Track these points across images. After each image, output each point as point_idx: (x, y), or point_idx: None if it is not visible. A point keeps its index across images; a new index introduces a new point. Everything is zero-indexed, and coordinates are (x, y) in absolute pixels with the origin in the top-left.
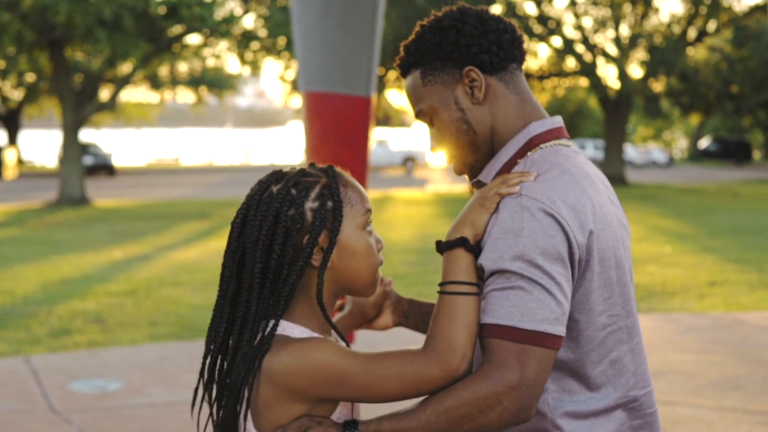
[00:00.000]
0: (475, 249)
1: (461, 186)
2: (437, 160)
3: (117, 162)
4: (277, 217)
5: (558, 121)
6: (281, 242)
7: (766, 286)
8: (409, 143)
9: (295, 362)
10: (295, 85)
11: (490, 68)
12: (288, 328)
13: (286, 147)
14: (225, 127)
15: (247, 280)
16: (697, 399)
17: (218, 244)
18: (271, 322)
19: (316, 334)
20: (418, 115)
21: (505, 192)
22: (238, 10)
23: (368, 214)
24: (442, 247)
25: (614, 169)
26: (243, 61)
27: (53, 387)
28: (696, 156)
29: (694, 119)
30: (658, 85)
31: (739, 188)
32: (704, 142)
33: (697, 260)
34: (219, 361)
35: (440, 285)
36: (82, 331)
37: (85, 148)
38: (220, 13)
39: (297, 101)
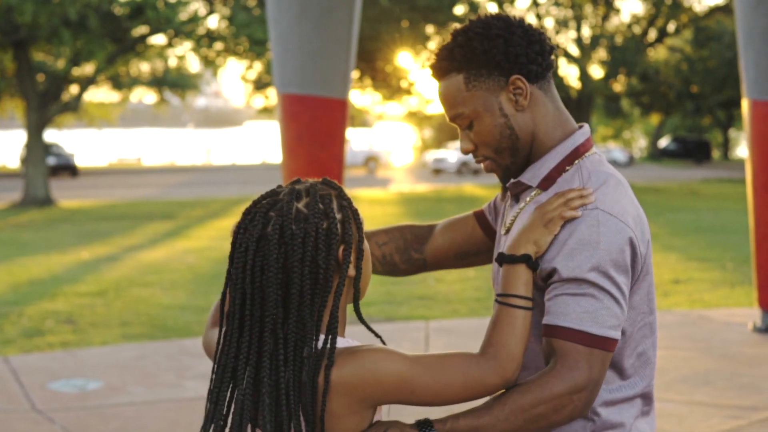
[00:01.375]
0: (535, 266)
1: (424, 185)
2: (399, 160)
3: (79, 162)
4: (317, 232)
5: (588, 130)
6: (325, 256)
7: (729, 283)
8: (371, 143)
9: (368, 372)
10: (257, 85)
11: (533, 77)
12: (339, 341)
13: (246, 147)
14: (186, 127)
15: (295, 299)
16: (669, 394)
17: (184, 244)
18: (322, 337)
19: (356, 343)
20: (456, 117)
21: (569, 216)
22: (202, 11)
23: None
24: (506, 260)
25: None
26: (206, 61)
27: (34, 387)
28: (656, 155)
29: (654, 119)
30: (618, 86)
31: (699, 187)
32: (664, 142)
33: (661, 259)
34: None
35: (501, 296)
36: (54, 331)
37: (47, 149)
38: (184, 14)
39: (259, 101)
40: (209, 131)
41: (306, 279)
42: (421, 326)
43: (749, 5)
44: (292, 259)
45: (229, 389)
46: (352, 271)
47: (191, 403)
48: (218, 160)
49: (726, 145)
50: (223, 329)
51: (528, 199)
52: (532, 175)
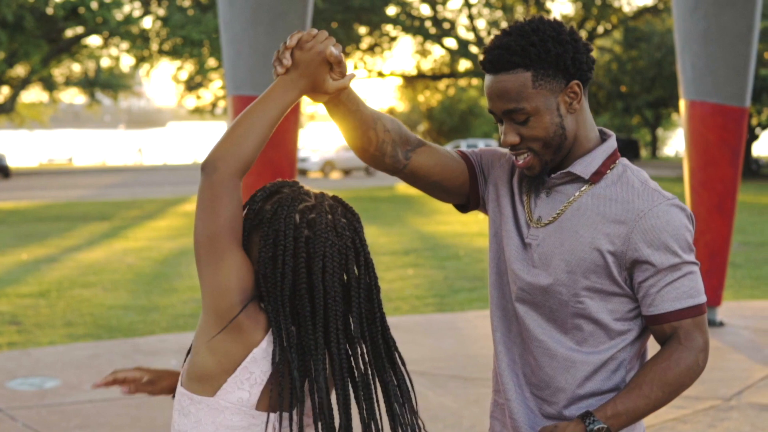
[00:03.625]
0: None
1: (355, 186)
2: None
3: (11, 163)
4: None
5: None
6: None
7: None
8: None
9: None
10: (188, 86)
11: (585, 84)
12: None
13: (175, 147)
14: (117, 128)
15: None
16: None
17: (123, 245)
18: None
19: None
20: (513, 111)
21: None
22: (137, 12)
23: None
24: None
25: None
26: (140, 61)
27: None
28: None
29: None
30: None
31: None
32: None
33: None
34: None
35: None
36: None
37: None
38: (119, 15)
39: (191, 101)
40: (137, 132)
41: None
42: None
43: (687, 9)
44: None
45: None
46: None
47: (150, 400)
48: (149, 160)
49: (654, 144)
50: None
51: (577, 193)
52: (583, 168)
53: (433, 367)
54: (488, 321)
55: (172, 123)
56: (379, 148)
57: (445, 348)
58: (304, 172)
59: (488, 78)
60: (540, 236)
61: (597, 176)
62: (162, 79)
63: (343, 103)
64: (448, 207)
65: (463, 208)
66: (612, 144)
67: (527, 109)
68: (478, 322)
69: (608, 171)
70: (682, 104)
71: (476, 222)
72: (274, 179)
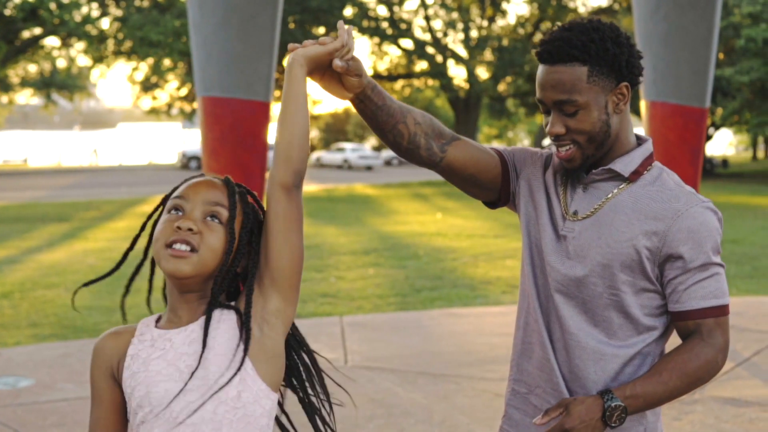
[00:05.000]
0: None
1: (313, 185)
2: None
3: None
4: None
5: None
6: None
7: None
8: None
9: None
10: (144, 87)
11: (633, 88)
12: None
13: (128, 148)
14: (73, 129)
15: None
16: None
17: (83, 245)
18: None
19: (152, 322)
20: (564, 102)
21: None
22: (95, 12)
23: (172, 200)
24: None
25: None
26: (96, 62)
27: None
28: None
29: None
30: (504, 86)
31: None
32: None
33: None
34: None
35: None
36: None
37: None
38: (78, 16)
39: (147, 102)
40: (91, 133)
41: None
42: (336, 321)
43: (648, 11)
44: None
45: None
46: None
47: None
48: (104, 161)
49: None
50: None
51: (616, 190)
52: (624, 166)
53: (401, 364)
54: (453, 319)
55: (122, 124)
56: (412, 141)
57: (412, 345)
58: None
59: (543, 68)
60: (576, 229)
61: (635, 175)
62: (112, 80)
63: (369, 98)
64: (406, 207)
65: (493, 204)
66: (649, 147)
67: (578, 102)
68: (442, 320)
69: (645, 171)
70: (643, 104)
71: (434, 222)
72: (245, 181)
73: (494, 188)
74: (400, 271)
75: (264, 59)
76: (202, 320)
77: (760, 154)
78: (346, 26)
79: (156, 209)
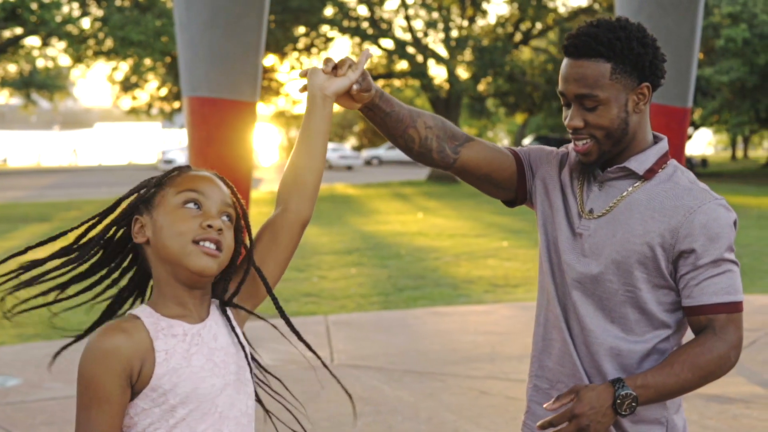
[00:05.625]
0: None
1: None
2: (267, 160)
3: None
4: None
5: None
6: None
7: None
8: None
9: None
10: (124, 87)
11: (654, 90)
12: (138, 309)
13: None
14: (52, 129)
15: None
16: None
17: (62, 245)
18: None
19: (158, 316)
20: (585, 97)
21: None
22: (76, 12)
23: (184, 192)
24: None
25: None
26: (77, 62)
27: None
28: None
29: (519, 118)
30: (484, 86)
31: None
32: (527, 141)
33: (534, 254)
34: None
35: None
36: None
37: None
38: (59, 16)
39: (126, 102)
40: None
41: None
42: (321, 320)
43: (630, 11)
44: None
45: None
46: (139, 239)
47: None
48: (84, 161)
49: None
50: None
51: (630, 188)
52: (638, 165)
53: (387, 363)
54: (437, 318)
55: (99, 124)
56: (424, 144)
57: (398, 344)
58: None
59: (568, 62)
60: (592, 227)
61: (650, 173)
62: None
63: (377, 107)
64: (387, 207)
65: (511, 203)
66: (664, 145)
67: (599, 98)
68: (427, 318)
69: (660, 170)
70: None
71: (415, 222)
72: (231, 180)
73: (510, 187)
74: (382, 270)
75: (250, 59)
76: (214, 315)
77: (740, 153)
78: (363, 50)
79: (134, 192)
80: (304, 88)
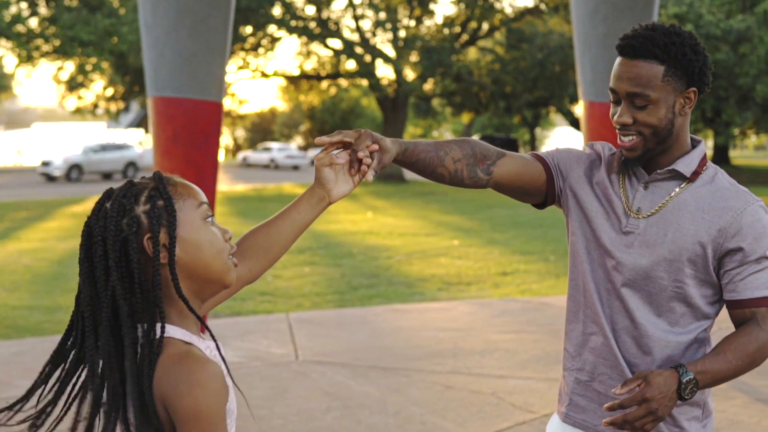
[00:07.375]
0: None
1: (242, 185)
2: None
3: None
4: (116, 228)
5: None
6: (120, 249)
7: (554, 274)
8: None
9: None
10: (69, 86)
11: (699, 95)
12: (170, 330)
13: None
14: None
15: (106, 291)
16: (526, 372)
17: (16, 246)
18: (158, 326)
19: (196, 338)
20: (637, 95)
21: None
22: (25, 12)
23: (203, 206)
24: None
25: (392, 167)
26: (24, 62)
27: None
28: None
29: (465, 118)
30: (431, 86)
31: None
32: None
33: (486, 252)
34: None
35: None
36: None
37: None
38: (7, 15)
39: (72, 102)
40: (14, 132)
41: (113, 271)
42: (282, 318)
43: (586, 13)
44: (96, 256)
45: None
46: (163, 259)
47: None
48: (28, 161)
49: (533, 144)
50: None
51: (678, 189)
52: (685, 166)
53: (352, 359)
54: (397, 315)
55: (38, 124)
56: (454, 177)
57: (360, 340)
58: (52, 179)
59: (622, 61)
60: (641, 226)
61: (695, 175)
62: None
63: (401, 162)
64: (335, 206)
65: (540, 205)
66: (703, 148)
67: (650, 97)
68: (387, 315)
69: (702, 171)
70: (582, 105)
71: (365, 221)
72: (197, 180)
73: (540, 193)
74: (335, 269)
75: (216, 60)
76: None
77: None
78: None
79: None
80: (323, 162)
